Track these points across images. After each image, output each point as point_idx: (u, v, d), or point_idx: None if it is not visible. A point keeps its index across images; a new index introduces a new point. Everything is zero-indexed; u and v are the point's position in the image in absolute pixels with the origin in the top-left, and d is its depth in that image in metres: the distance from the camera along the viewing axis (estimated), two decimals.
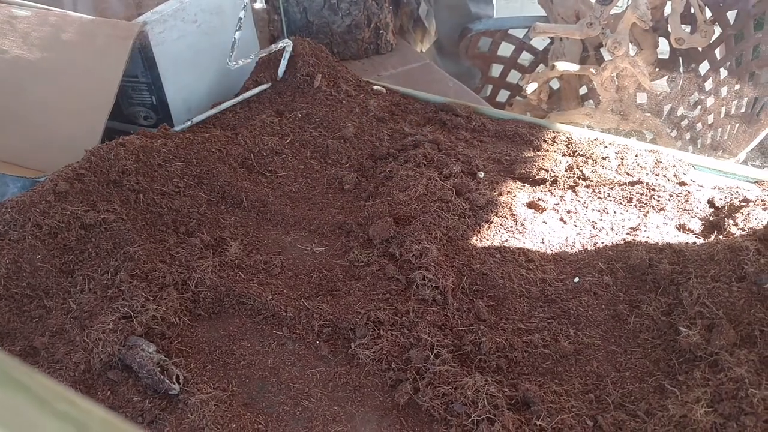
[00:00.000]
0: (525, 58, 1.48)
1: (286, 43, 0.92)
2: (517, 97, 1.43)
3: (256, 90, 0.93)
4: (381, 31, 1.19)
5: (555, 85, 1.39)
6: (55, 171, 0.71)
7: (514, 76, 1.49)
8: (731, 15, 1.15)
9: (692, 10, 1.14)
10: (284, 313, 0.64)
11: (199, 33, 0.88)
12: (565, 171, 0.80)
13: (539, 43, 1.47)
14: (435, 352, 0.59)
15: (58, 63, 0.86)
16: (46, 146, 0.82)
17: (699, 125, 1.13)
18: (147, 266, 0.66)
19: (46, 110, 0.85)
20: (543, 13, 1.36)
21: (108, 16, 1.00)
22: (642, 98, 1.23)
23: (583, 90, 1.36)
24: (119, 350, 0.58)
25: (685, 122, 1.19)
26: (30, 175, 0.79)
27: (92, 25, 0.84)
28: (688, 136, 1.16)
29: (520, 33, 1.46)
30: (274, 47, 0.92)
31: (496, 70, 1.50)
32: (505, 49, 1.46)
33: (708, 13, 1.16)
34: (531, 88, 1.22)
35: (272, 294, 0.66)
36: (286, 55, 0.93)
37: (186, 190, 0.76)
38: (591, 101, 1.32)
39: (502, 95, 1.54)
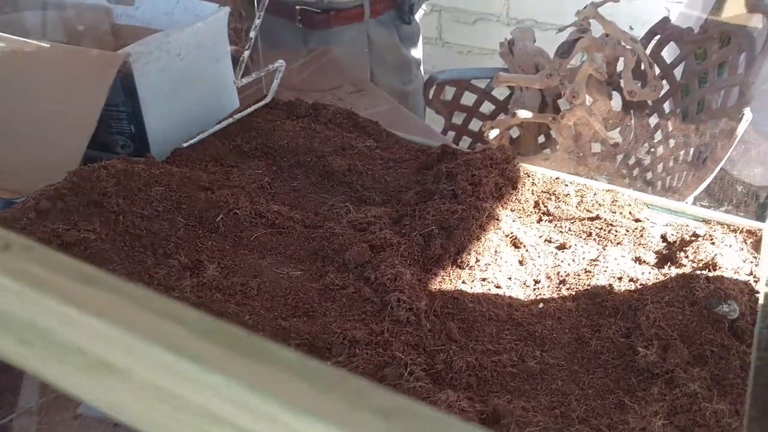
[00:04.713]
0: (487, 107, 1.55)
1: (280, 64, 0.97)
2: (479, 144, 1.49)
3: (256, 106, 0.98)
4: None
5: (515, 133, 1.46)
6: (36, 190, 0.72)
7: (476, 124, 1.56)
8: (678, 72, 1.24)
9: (642, 66, 1.22)
10: (261, 333, 0.65)
11: (181, 66, 0.91)
12: (531, 206, 0.85)
13: (500, 93, 1.54)
14: (409, 369, 0.61)
15: (40, 91, 0.88)
16: (25, 169, 0.83)
17: (650, 172, 1.20)
18: None
19: (27, 136, 0.86)
20: (504, 65, 1.43)
21: (83, 45, 1.02)
22: (598, 147, 1.30)
23: (541, 139, 1.43)
24: None
25: (637, 170, 1.26)
26: (9, 196, 0.80)
27: (77, 54, 0.86)
28: (640, 182, 1.23)
29: (482, 83, 1.54)
30: (271, 67, 0.98)
31: (458, 117, 1.57)
32: (468, 98, 1.53)
33: (657, 70, 1.25)
34: (493, 134, 1.28)
35: (249, 314, 0.67)
36: (279, 75, 0.98)
37: (165, 214, 0.78)
38: (549, 149, 1.39)
39: (464, 142, 1.60)
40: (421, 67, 1.83)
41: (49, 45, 0.90)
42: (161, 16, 0.96)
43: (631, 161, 1.24)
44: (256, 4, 0.96)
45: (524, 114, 1.23)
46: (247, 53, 0.94)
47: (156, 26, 0.95)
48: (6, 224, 0.67)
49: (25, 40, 0.95)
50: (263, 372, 0.14)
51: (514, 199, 0.84)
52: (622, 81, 1.21)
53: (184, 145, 0.92)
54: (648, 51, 1.30)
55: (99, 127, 0.88)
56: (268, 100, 1.01)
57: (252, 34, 0.91)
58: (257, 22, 0.91)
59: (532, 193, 0.85)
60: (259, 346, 0.15)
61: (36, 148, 0.85)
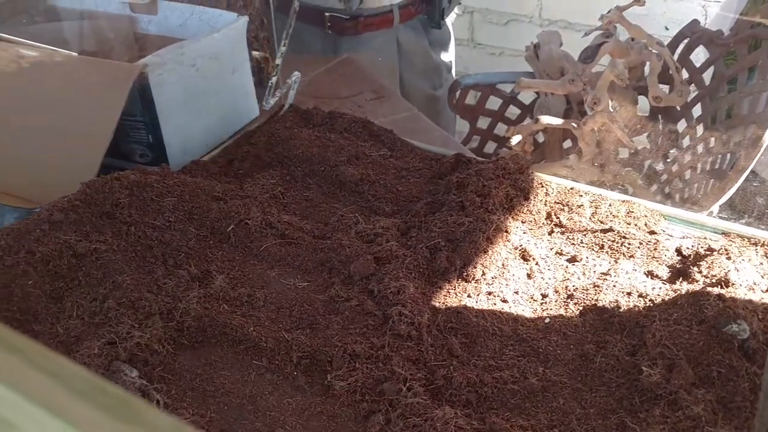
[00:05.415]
0: (513, 111, 1.53)
1: (296, 76, 1.00)
2: (504, 149, 1.48)
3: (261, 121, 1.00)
4: None
5: (541, 138, 1.44)
6: (51, 201, 0.74)
7: (502, 129, 1.54)
8: (707, 76, 1.21)
9: (670, 71, 1.19)
10: (264, 344, 0.66)
11: (197, 77, 0.92)
12: (543, 218, 0.84)
13: (526, 98, 1.52)
14: (408, 385, 0.61)
15: (59, 100, 0.90)
16: (44, 179, 0.86)
17: (674, 181, 1.17)
18: (134, 295, 0.68)
19: (45, 145, 0.88)
20: (530, 69, 1.42)
21: (112, 57, 1.04)
22: (624, 153, 1.27)
23: (567, 144, 1.40)
24: (102, 375, 0.60)
25: (663, 177, 1.24)
26: (26, 206, 0.82)
27: (95, 65, 0.88)
28: (666, 190, 1.21)
29: (508, 87, 1.52)
30: (289, 81, 1.01)
31: (484, 122, 1.55)
32: (493, 103, 1.52)
33: (685, 74, 1.22)
34: (515, 139, 1.26)
35: (254, 326, 0.68)
36: (295, 86, 1.01)
37: (176, 224, 0.79)
38: (574, 155, 1.37)
39: (490, 147, 1.59)
40: (453, 72, 1.82)
41: (70, 55, 0.92)
42: (175, 29, 0.98)
43: (655, 169, 1.22)
44: (285, 33, 0.98)
45: (547, 120, 1.22)
46: (275, 79, 0.97)
47: (172, 37, 0.96)
48: (20, 236, 0.69)
49: (53, 49, 0.98)
50: None
51: (525, 211, 0.83)
52: (648, 86, 1.18)
53: (204, 159, 0.93)
54: (676, 55, 1.27)
55: (118, 136, 0.90)
56: (286, 107, 1.02)
57: (278, 61, 0.94)
58: (283, 50, 0.93)
59: (545, 204, 0.84)
60: (133, 408, 0.15)
61: (54, 157, 0.87)
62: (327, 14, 1.56)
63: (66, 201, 0.74)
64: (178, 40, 0.95)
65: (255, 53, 1.24)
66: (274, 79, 0.95)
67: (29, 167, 0.88)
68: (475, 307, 0.71)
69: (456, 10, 1.97)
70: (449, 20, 1.76)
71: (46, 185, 0.84)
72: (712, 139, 1.12)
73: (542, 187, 0.86)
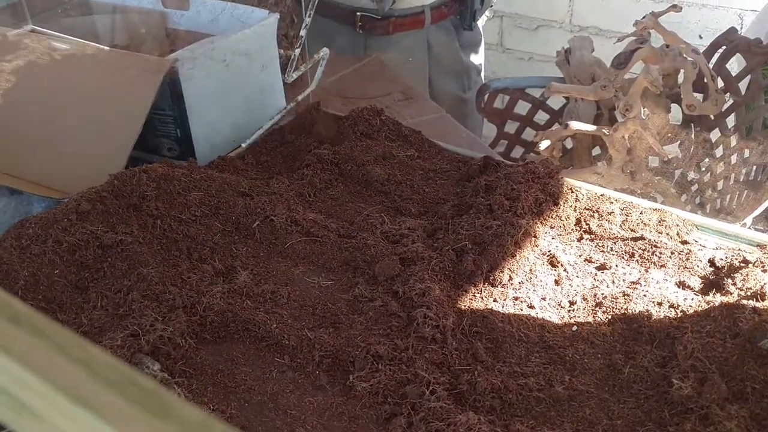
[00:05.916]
0: (541, 116, 1.52)
1: (324, 52, 0.99)
2: (531, 154, 1.46)
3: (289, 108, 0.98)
4: None
5: (569, 144, 1.42)
6: (79, 192, 0.74)
7: (530, 134, 1.52)
8: (743, 85, 1.18)
9: (705, 79, 1.17)
10: (287, 342, 0.66)
11: (226, 72, 0.92)
12: (572, 224, 0.82)
13: (555, 103, 1.51)
14: (431, 388, 0.60)
15: (90, 93, 0.91)
16: (72, 170, 0.86)
17: (706, 191, 1.15)
18: (159, 288, 0.68)
19: (75, 136, 0.89)
20: (561, 74, 1.40)
21: (143, 51, 1.05)
22: (655, 161, 1.25)
23: (596, 151, 1.38)
24: None
25: (695, 187, 1.21)
26: (55, 196, 0.82)
27: (126, 58, 0.89)
28: (697, 200, 1.18)
29: (537, 92, 1.50)
30: (315, 56, 1.00)
31: (511, 126, 1.54)
32: (522, 107, 1.50)
33: (720, 83, 1.19)
34: (544, 144, 1.24)
35: (277, 323, 0.67)
36: (323, 63, 1.01)
37: (202, 219, 0.79)
38: (603, 162, 1.35)
39: (517, 151, 1.57)
40: (482, 74, 1.81)
41: (102, 48, 0.93)
42: (207, 24, 0.98)
43: (687, 178, 1.19)
44: (303, 7, 0.97)
45: (576, 125, 1.20)
46: (298, 51, 0.96)
47: (203, 33, 0.97)
48: (48, 225, 0.70)
49: (85, 42, 0.98)
50: (162, 428, 0.13)
51: (554, 216, 0.81)
52: (681, 94, 1.16)
53: (231, 154, 0.93)
54: (711, 63, 1.24)
55: (147, 130, 0.90)
56: (312, 87, 1.02)
57: (302, 32, 0.93)
58: (307, 20, 0.92)
59: (575, 210, 0.83)
60: (163, 401, 0.14)
61: (83, 149, 0.87)
62: (358, 14, 1.56)
63: (94, 192, 0.74)
64: (209, 35, 0.95)
65: (284, 51, 1.24)
66: (297, 51, 0.94)
67: (58, 157, 0.89)
68: (501, 311, 0.70)
69: (487, 12, 1.96)
70: (480, 22, 1.75)
71: (74, 176, 0.84)
72: (747, 149, 1.10)
73: (572, 192, 0.85)
